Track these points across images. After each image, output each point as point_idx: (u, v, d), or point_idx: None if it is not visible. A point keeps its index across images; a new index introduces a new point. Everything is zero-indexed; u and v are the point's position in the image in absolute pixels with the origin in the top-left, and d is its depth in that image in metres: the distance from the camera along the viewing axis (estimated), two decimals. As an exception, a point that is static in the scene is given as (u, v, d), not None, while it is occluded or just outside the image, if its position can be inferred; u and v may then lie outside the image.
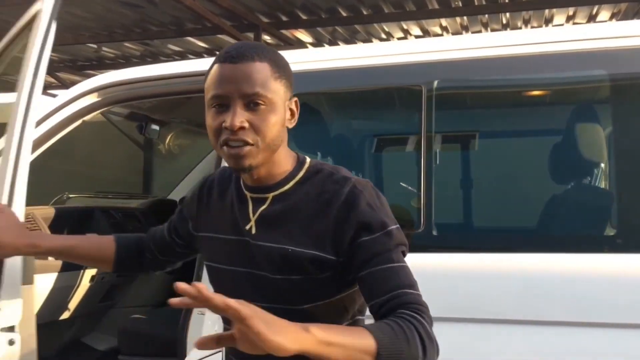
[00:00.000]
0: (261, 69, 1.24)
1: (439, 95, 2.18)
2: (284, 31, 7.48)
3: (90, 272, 3.20)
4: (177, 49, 8.36)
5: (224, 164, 2.32)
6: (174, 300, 0.98)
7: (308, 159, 1.37)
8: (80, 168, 4.60)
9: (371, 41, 7.74)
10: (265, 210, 1.32)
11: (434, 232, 2.09)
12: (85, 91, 2.60)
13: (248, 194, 1.36)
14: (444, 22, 7.14)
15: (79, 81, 2.74)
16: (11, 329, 1.71)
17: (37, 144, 2.52)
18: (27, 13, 2.00)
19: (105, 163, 4.74)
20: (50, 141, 2.57)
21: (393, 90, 2.38)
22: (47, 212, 3.10)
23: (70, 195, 4.05)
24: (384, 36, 7.68)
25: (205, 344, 1.02)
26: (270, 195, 1.33)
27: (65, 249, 1.59)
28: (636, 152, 2.01)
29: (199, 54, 8.42)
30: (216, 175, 1.49)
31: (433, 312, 1.20)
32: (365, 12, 6.89)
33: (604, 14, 6.79)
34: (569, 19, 6.95)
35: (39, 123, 2.50)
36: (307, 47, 7.82)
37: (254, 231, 1.32)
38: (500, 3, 6.62)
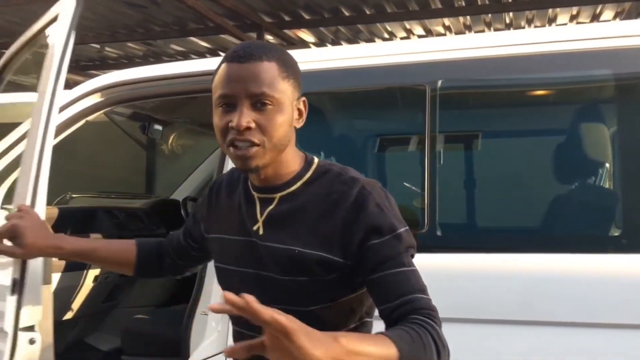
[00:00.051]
0: (269, 69, 1.23)
1: (442, 95, 2.17)
2: (286, 31, 7.48)
3: (93, 272, 3.20)
4: (179, 49, 8.37)
5: (228, 163, 2.33)
6: (215, 306, 0.97)
7: (316, 159, 1.36)
8: (83, 168, 4.60)
9: (374, 41, 7.74)
10: (273, 211, 1.32)
11: (438, 233, 2.09)
12: (88, 91, 2.60)
13: (255, 194, 1.35)
14: (446, 21, 7.14)
15: (82, 81, 2.74)
16: (31, 328, 1.74)
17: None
18: (44, 16, 2.03)
19: (108, 163, 4.75)
20: (53, 141, 2.56)
21: (397, 90, 2.38)
22: (50, 212, 3.09)
23: (73, 195, 4.05)
24: (386, 36, 7.68)
25: (235, 352, 1.02)
26: (278, 195, 1.32)
27: (87, 252, 1.61)
28: (641, 152, 2.00)
29: (201, 54, 8.43)
30: (225, 177, 1.49)
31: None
32: (368, 12, 6.89)
33: (608, 13, 6.77)
34: (573, 18, 6.94)
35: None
36: (309, 47, 7.82)
37: (261, 232, 1.32)
38: (504, 2, 6.61)
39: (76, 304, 3.23)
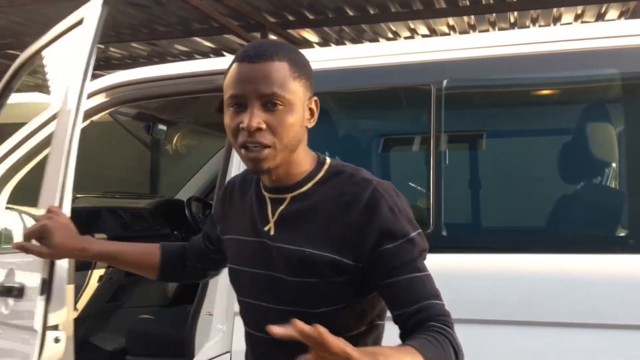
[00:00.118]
0: (280, 69, 1.22)
1: (448, 94, 2.17)
2: (290, 31, 7.47)
3: (98, 272, 3.21)
4: (184, 49, 8.37)
5: (233, 163, 2.33)
6: (277, 330, 0.96)
7: (328, 160, 1.34)
8: (87, 168, 4.59)
9: (378, 41, 7.72)
10: (284, 211, 1.31)
11: (444, 233, 2.08)
12: (93, 92, 2.60)
13: (266, 195, 1.34)
14: (451, 21, 7.12)
15: (87, 81, 2.72)
16: (55, 327, 1.78)
17: (45, 144, 2.52)
18: (65, 20, 2.06)
19: (113, 163, 4.76)
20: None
21: (402, 90, 2.37)
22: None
23: (78, 195, 4.05)
24: (390, 35, 7.67)
25: None
26: (289, 195, 1.31)
27: (112, 254, 1.62)
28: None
29: (205, 54, 8.42)
30: (239, 177, 1.48)
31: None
32: (372, 12, 6.87)
33: (613, 12, 6.75)
34: (577, 17, 6.92)
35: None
36: (313, 47, 7.82)
37: (272, 232, 1.31)
38: (508, 2, 6.60)
39: (81, 304, 3.23)
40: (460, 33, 7.35)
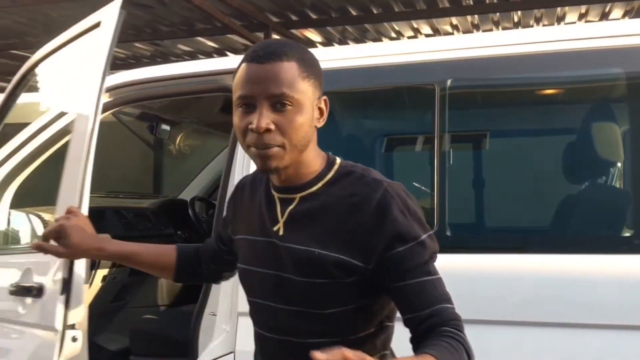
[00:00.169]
0: (288, 69, 1.21)
1: (452, 94, 2.16)
2: (293, 31, 7.47)
3: (101, 272, 3.21)
4: (187, 49, 8.38)
5: (236, 163, 2.33)
6: (320, 357, 0.94)
7: (338, 160, 1.34)
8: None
9: (381, 40, 7.72)
10: (293, 210, 1.30)
11: (448, 233, 2.07)
12: (96, 91, 2.60)
13: (276, 195, 1.34)
14: (454, 20, 7.11)
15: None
16: (72, 326, 1.82)
17: (49, 144, 2.52)
18: (81, 23, 2.10)
19: (116, 163, 4.75)
20: (62, 141, 2.57)
21: (405, 90, 2.37)
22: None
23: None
24: (394, 35, 7.66)
25: None
26: (298, 195, 1.30)
27: (129, 255, 1.62)
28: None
29: (208, 53, 8.43)
30: (250, 177, 1.48)
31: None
32: (375, 11, 6.87)
33: (617, 11, 6.74)
34: (581, 16, 6.90)
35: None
36: (316, 47, 7.82)
37: (281, 232, 1.30)
38: (512, 1, 6.59)
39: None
40: (464, 32, 7.34)
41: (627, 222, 2.03)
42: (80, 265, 1.82)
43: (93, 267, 3.13)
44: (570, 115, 2.25)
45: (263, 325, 1.36)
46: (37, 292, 1.97)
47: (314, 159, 1.30)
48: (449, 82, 2.17)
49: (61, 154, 2.60)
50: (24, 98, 2.62)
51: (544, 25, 7.09)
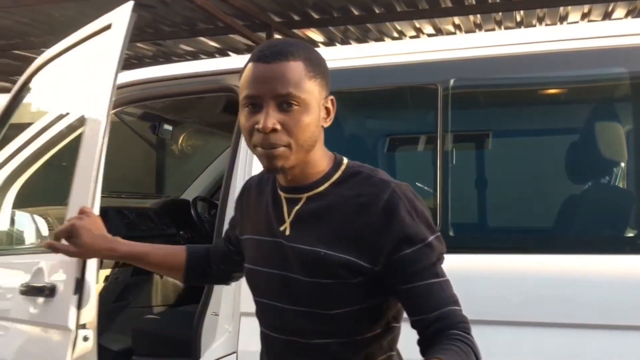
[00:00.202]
0: (295, 69, 1.21)
1: (455, 94, 2.16)
2: (295, 31, 7.47)
3: (104, 272, 3.21)
4: (189, 49, 8.38)
5: (239, 163, 2.33)
6: None
7: (345, 160, 1.33)
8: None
9: (383, 40, 7.72)
10: (300, 210, 1.29)
11: (451, 233, 2.07)
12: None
13: (282, 195, 1.33)
14: (456, 20, 7.11)
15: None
16: (83, 326, 1.84)
17: (52, 144, 2.52)
18: (91, 25, 2.12)
19: (118, 163, 4.75)
20: (65, 141, 2.57)
21: (408, 90, 2.37)
22: (61, 212, 3.10)
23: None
24: (396, 35, 7.66)
25: None
26: (305, 195, 1.29)
27: (140, 255, 1.63)
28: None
29: (211, 54, 8.43)
30: (256, 178, 1.48)
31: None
32: (377, 11, 6.87)
33: (620, 11, 6.73)
34: (584, 16, 6.89)
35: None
36: (318, 47, 7.81)
37: (287, 232, 1.30)
38: (514, 1, 6.58)
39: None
40: (466, 32, 7.33)
41: (630, 222, 2.02)
42: (91, 266, 1.84)
43: (96, 267, 3.13)
44: (573, 115, 2.24)
45: (269, 325, 1.36)
46: (49, 292, 1.98)
47: (320, 159, 1.30)
48: (451, 81, 2.16)
49: (62, 155, 2.61)
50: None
51: (546, 24, 7.09)
